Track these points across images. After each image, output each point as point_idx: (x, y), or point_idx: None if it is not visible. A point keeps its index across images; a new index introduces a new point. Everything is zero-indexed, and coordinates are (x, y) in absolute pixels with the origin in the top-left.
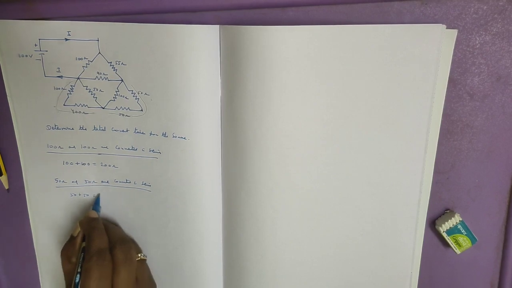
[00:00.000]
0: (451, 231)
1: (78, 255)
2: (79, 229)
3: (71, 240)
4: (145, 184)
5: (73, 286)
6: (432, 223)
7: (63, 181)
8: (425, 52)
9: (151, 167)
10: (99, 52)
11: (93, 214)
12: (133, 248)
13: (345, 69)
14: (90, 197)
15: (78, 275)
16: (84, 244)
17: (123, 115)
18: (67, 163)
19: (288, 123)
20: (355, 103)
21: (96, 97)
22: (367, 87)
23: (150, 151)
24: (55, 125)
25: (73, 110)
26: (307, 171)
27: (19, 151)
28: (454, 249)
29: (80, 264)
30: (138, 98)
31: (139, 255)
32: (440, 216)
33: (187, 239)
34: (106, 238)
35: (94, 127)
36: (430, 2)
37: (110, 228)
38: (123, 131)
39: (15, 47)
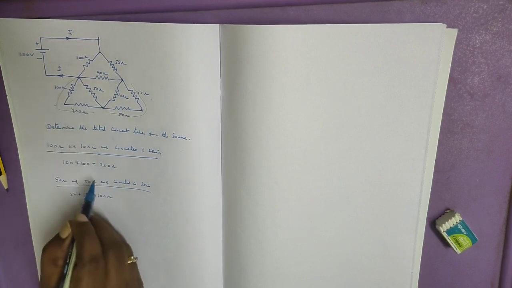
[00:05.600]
0: (452, 231)
1: (66, 258)
2: (68, 230)
3: (58, 241)
4: (144, 184)
5: None
6: (433, 223)
7: (63, 180)
8: (425, 51)
9: (151, 167)
10: (100, 51)
11: (83, 217)
12: (125, 251)
13: (346, 68)
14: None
15: (65, 281)
16: (74, 248)
17: (122, 115)
18: (67, 162)
19: (288, 122)
20: (356, 103)
21: (96, 97)
22: (367, 86)
23: (150, 151)
24: (56, 124)
25: (73, 110)
26: (307, 171)
27: (18, 150)
28: (455, 248)
29: (68, 268)
30: (138, 98)
31: (131, 257)
32: (440, 216)
33: (187, 239)
34: (98, 242)
35: (94, 127)
36: (430, 1)
37: (101, 229)
38: (122, 131)
39: (16, 45)
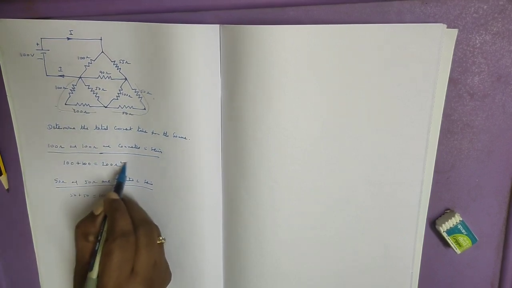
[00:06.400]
0: (451, 231)
1: (98, 235)
2: (102, 207)
3: (91, 217)
4: (147, 182)
5: (89, 267)
6: (433, 223)
7: (62, 181)
8: (425, 51)
9: (153, 165)
10: (102, 51)
11: (114, 195)
12: (155, 230)
13: (345, 69)
14: (90, 197)
15: (97, 257)
16: (105, 225)
17: (126, 113)
18: (67, 162)
19: (288, 122)
20: (356, 103)
21: (98, 96)
22: (367, 87)
23: (152, 149)
24: (56, 125)
25: (74, 110)
26: (308, 171)
27: (19, 150)
28: (454, 249)
29: (99, 245)
30: (142, 97)
31: (161, 238)
32: (440, 216)
33: (188, 238)
34: (129, 219)
35: (96, 126)
36: (430, 2)
37: (132, 208)
38: (126, 129)
39: (17, 46)
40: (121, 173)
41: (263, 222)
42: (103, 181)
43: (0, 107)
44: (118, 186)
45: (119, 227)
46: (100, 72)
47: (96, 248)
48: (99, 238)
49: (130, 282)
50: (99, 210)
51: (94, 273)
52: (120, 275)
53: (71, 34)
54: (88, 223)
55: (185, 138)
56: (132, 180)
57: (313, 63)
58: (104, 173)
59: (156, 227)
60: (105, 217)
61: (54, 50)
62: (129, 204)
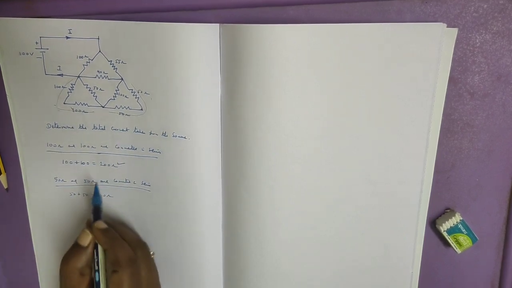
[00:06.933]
0: (452, 231)
1: (93, 267)
2: (89, 237)
3: (79, 250)
4: (144, 183)
5: None
6: (433, 223)
7: (62, 180)
8: (425, 50)
9: (151, 166)
10: (100, 51)
11: (102, 224)
12: (147, 247)
13: (346, 68)
14: (90, 196)
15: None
16: (100, 255)
17: (123, 114)
18: (66, 162)
19: (288, 121)
20: (356, 102)
21: (96, 96)
22: (367, 86)
23: (150, 150)
24: (55, 124)
25: (73, 109)
26: (307, 170)
27: (18, 150)
28: (455, 248)
29: (100, 276)
30: (138, 97)
31: (151, 253)
32: (440, 216)
33: (187, 239)
34: (127, 245)
35: (94, 126)
36: (430, 1)
37: (123, 232)
38: (122, 130)
39: (16, 45)
40: (95, 195)
41: (263, 221)
42: (101, 181)
43: (0, 107)
44: (96, 210)
45: (124, 256)
46: (98, 71)
47: (98, 280)
48: (96, 269)
49: None
50: (87, 241)
51: None
52: None
53: (70, 33)
54: (78, 256)
55: (185, 137)
56: (129, 182)
57: (313, 63)
58: (103, 173)
59: (146, 244)
60: (95, 246)
61: (53, 49)
62: (118, 228)
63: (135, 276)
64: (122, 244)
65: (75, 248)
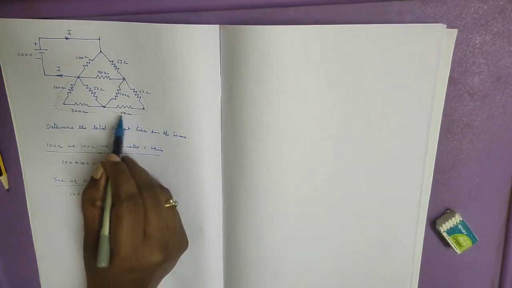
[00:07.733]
0: (452, 231)
1: (104, 200)
2: (101, 170)
3: (93, 183)
4: None
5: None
6: (433, 223)
7: (62, 180)
8: (425, 51)
9: (153, 164)
10: (101, 51)
11: (114, 157)
12: (160, 193)
13: (346, 69)
14: None
15: (105, 223)
16: (108, 188)
17: (124, 113)
18: (66, 162)
19: (288, 122)
20: (355, 103)
21: (97, 96)
22: (367, 87)
23: (152, 148)
24: (55, 124)
25: (72, 109)
26: (307, 171)
27: (19, 150)
28: (455, 249)
29: (105, 211)
30: (140, 97)
31: (171, 201)
32: (440, 216)
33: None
34: (133, 182)
35: (94, 126)
36: (430, 2)
37: (135, 171)
38: (124, 129)
39: (15, 46)
40: (118, 127)
41: (262, 221)
42: None
43: (0, 107)
44: (117, 141)
45: (124, 190)
46: (99, 72)
47: (103, 212)
48: (104, 203)
49: (145, 245)
50: (98, 174)
51: (105, 230)
52: (134, 239)
53: (69, 34)
54: (92, 189)
55: (185, 137)
56: None
57: (313, 63)
58: None
59: (163, 190)
60: (107, 180)
61: (52, 50)
62: (131, 167)
63: (135, 213)
64: (126, 179)
65: (90, 182)
